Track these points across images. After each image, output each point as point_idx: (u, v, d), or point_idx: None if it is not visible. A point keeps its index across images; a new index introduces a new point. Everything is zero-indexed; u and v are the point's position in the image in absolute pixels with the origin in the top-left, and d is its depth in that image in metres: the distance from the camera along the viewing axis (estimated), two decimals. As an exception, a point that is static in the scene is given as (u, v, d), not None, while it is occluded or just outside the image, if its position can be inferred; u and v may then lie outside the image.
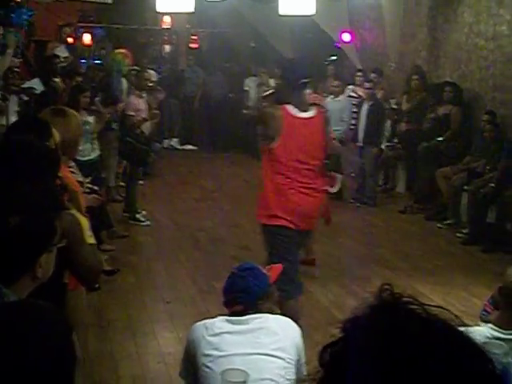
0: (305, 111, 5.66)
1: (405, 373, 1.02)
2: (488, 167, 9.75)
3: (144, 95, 10.27)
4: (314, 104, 5.83)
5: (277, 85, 6.44)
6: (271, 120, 5.59)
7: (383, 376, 1.02)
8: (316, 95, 6.80)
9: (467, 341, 1.10)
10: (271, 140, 5.58)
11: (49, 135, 3.95)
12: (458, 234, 9.72)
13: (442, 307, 1.13)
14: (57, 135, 4.05)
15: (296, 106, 5.62)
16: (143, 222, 9.76)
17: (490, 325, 4.01)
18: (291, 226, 5.58)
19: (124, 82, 11.55)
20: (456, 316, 1.13)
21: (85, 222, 3.67)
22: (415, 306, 1.11)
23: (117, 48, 13.11)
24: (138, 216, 9.77)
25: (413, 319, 1.09)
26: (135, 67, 11.81)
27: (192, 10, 10.33)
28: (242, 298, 3.62)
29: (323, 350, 1.13)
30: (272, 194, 5.64)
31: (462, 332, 1.10)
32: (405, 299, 1.13)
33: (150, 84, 13.37)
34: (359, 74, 12.44)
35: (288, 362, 3.50)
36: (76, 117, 5.04)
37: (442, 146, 10.65)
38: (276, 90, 6.28)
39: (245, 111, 14.91)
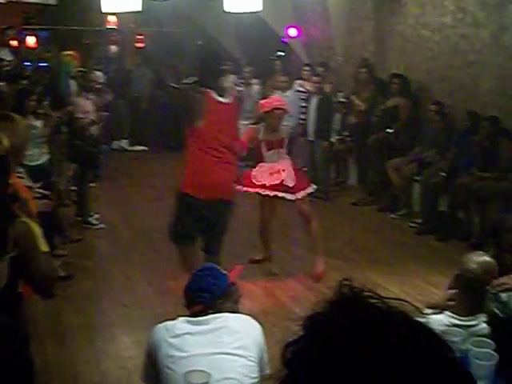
0: (222, 96, 6.48)
1: (368, 367, 1.01)
2: (438, 157, 9.85)
3: (91, 97, 10.16)
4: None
5: (199, 72, 6.90)
6: (196, 103, 6.39)
7: (346, 372, 1.01)
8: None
9: (428, 332, 1.10)
10: (195, 120, 6.36)
11: None
12: (411, 224, 9.81)
13: (402, 299, 1.13)
14: (6, 141, 3.98)
15: (216, 92, 6.43)
16: (96, 225, 9.66)
17: (447, 312, 4.06)
18: (200, 196, 6.44)
19: (73, 84, 11.42)
20: (416, 307, 1.13)
21: (37, 230, 3.61)
22: (375, 300, 1.11)
23: (62, 50, 12.96)
24: (90, 219, 9.67)
25: (373, 313, 1.09)
26: (82, 69, 11.69)
27: (139, 8, 10.25)
28: (203, 298, 3.61)
29: (285, 348, 1.11)
30: (192, 166, 6.50)
31: (422, 323, 1.10)
32: (364, 293, 1.12)
33: (98, 85, 13.26)
34: (306, 68, 12.48)
35: (250, 360, 3.49)
36: (23, 122, 4.97)
37: (391, 138, 10.73)
38: (199, 77, 6.76)
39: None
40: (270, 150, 7.72)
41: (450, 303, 4.27)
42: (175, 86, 8.64)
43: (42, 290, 3.84)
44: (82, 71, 11.42)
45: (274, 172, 7.60)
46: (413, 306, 1.12)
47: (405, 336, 1.05)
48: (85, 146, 9.45)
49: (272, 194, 7.55)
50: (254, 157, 8.01)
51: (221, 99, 6.46)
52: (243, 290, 7.33)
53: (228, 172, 6.58)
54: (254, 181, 7.62)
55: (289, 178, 7.56)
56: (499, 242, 4.54)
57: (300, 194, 7.61)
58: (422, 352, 1.04)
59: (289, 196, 7.57)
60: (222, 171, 6.50)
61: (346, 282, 1.15)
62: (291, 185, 7.53)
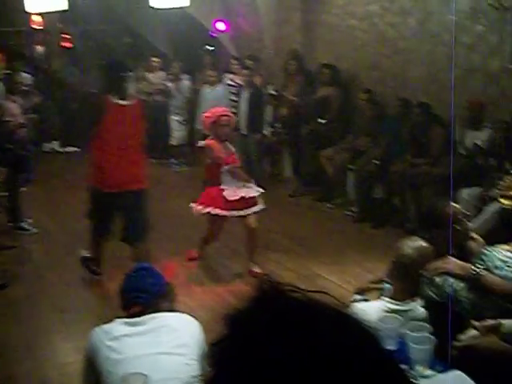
0: (123, 99, 6.96)
1: (292, 362, 1.00)
2: (370, 145, 9.93)
3: (17, 99, 9.99)
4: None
5: (102, 78, 7.78)
6: (96, 107, 6.98)
7: (269, 368, 1.00)
8: None
9: (351, 322, 1.09)
10: (97, 122, 6.95)
11: None
12: (347, 213, 9.88)
13: (323, 292, 1.12)
14: None
15: (118, 95, 6.92)
16: (29, 230, 9.49)
17: (385, 298, 4.10)
18: (106, 189, 7.02)
19: (1, 86, 11.20)
20: (337, 299, 1.12)
21: None
22: (296, 294, 1.10)
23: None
24: (22, 224, 9.50)
25: (295, 307, 1.08)
26: (7, 71, 11.47)
27: (65, 7, 10.10)
28: (141, 299, 3.57)
29: (211, 347, 1.10)
30: (97, 164, 7.10)
31: (346, 314, 1.10)
32: (285, 288, 1.12)
33: (24, 87, 13.02)
34: (234, 61, 12.47)
35: (191, 359, 3.46)
36: None
37: (323, 128, 10.78)
38: (101, 82, 7.59)
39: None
40: (224, 165, 7.66)
41: (377, 286, 4.32)
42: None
43: None
44: (7, 73, 11.19)
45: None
46: (334, 298, 1.11)
47: (327, 328, 1.05)
48: (14, 150, 9.27)
49: (229, 214, 7.58)
50: (209, 175, 7.87)
51: (121, 102, 6.93)
52: (182, 286, 7.34)
53: (133, 166, 7.08)
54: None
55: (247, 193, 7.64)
56: (434, 227, 4.58)
57: (250, 210, 7.65)
58: (345, 343, 1.04)
59: (241, 212, 7.61)
60: (126, 167, 7.00)
61: (266, 278, 1.16)
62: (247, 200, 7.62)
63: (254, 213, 7.67)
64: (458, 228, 4.40)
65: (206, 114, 7.82)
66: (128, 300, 3.60)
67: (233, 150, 7.74)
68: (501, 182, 6.91)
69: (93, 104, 7.16)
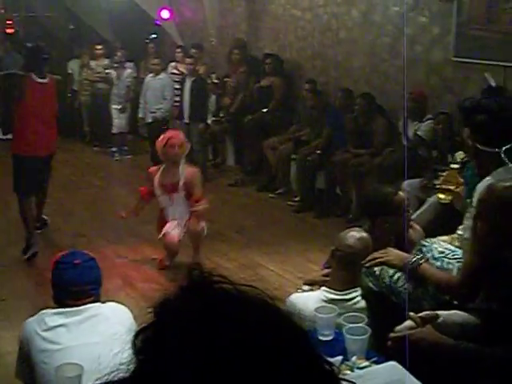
0: (42, 78, 8.04)
1: (218, 355, 1.00)
2: (313, 135, 9.99)
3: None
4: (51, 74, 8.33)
5: (25, 59, 9.10)
6: (19, 84, 8.00)
7: (193, 358, 1.00)
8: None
9: (278, 315, 1.10)
10: (20, 95, 7.92)
11: None
12: (289, 203, 9.91)
13: (252, 286, 1.12)
14: None
15: (36, 74, 7.99)
16: None
17: (324, 288, 4.12)
18: (26, 154, 8.06)
19: None
20: (265, 293, 1.12)
21: None
22: (225, 285, 1.10)
23: None
24: None
25: (223, 298, 1.08)
26: None
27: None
28: (95, 290, 3.55)
29: (135, 336, 1.10)
30: (19, 132, 8.11)
31: (272, 307, 1.10)
32: (214, 278, 1.12)
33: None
34: (178, 50, 12.43)
35: (124, 348, 3.45)
36: None
37: (267, 118, 10.80)
38: (24, 63, 8.78)
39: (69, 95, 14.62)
40: (164, 193, 7.56)
41: (327, 278, 4.34)
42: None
43: None
44: None
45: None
46: (263, 292, 1.12)
47: (254, 320, 1.05)
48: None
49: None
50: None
51: (40, 80, 8.02)
52: (124, 277, 7.31)
53: (48, 134, 8.26)
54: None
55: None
56: (377, 215, 4.63)
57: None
58: (270, 336, 1.04)
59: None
60: (43, 133, 8.14)
61: (195, 267, 1.14)
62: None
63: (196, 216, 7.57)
64: (401, 216, 4.46)
65: (162, 136, 7.71)
66: (79, 291, 3.52)
67: (180, 177, 7.51)
68: (440, 176, 7.00)
69: (15, 83, 8.18)
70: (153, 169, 7.77)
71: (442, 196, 6.74)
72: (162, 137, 7.58)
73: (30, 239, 8.11)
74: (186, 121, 11.40)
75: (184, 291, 1.10)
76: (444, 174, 6.84)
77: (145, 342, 1.08)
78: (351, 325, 3.39)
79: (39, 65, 8.15)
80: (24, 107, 7.99)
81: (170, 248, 7.54)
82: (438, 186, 6.91)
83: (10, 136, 14.18)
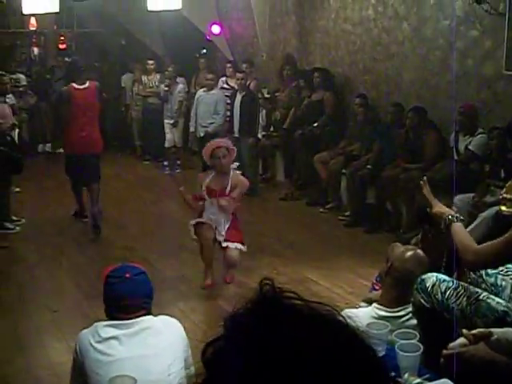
0: (83, 84, 9.44)
1: (288, 370, 1.00)
2: (364, 150, 9.96)
3: (8, 100, 9.95)
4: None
5: (66, 71, 11.35)
6: (66, 94, 9.49)
7: (264, 372, 1.00)
8: None
9: (350, 332, 1.09)
10: (67, 103, 9.39)
11: None
12: (340, 218, 9.88)
13: (322, 303, 1.11)
14: None
15: (77, 83, 9.40)
16: (12, 229, 9.52)
17: (375, 304, 4.10)
18: (73, 152, 9.57)
19: None
20: (335, 309, 1.12)
21: None
22: (297, 301, 1.10)
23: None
24: (6, 224, 9.50)
25: (294, 314, 1.08)
26: None
27: (57, 9, 10.13)
28: (146, 304, 3.56)
29: (205, 348, 1.10)
30: (67, 134, 9.58)
31: (345, 324, 1.10)
32: (286, 294, 1.11)
33: (20, 88, 13.00)
34: (229, 65, 12.49)
35: (176, 360, 3.48)
36: None
37: (317, 132, 10.80)
38: (65, 74, 11.00)
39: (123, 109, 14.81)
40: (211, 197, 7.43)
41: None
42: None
43: None
44: None
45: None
46: (333, 308, 1.12)
47: (325, 337, 1.05)
48: (9, 152, 9.25)
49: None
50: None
51: (80, 86, 9.39)
52: (174, 291, 7.35)
53: (92, 135, 9.54)
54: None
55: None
56: (424, 226, 4.62)
57: (232, 244, 7.36)
58: (341, 352, 1.04)
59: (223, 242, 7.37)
60: (87, 133, 9.41)
61: (267, 282, 1.13)
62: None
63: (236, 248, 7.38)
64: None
65: (206, 146, 7.71)
66: (132, 305, 3.52)
67: (229, 183, 7.40)
68: (501, 189, 6.89)
69: (62, 92, 9.74)
70: (202, 174, 7.79)
71: (504, 208, 6.62)
72: (207, 146, 7.57)
73: (80, 208, 10.03)
74: (236, 135, 11.42)
75: (254, 306, 1.10)
76: (507, 184, 6.73)
77: (214, 354, 1.08)
78: (403, 341, 3.37)
79: (78, 74, 9.56)
80: (70, 111, 9.34)
81: (204, 243, 7.38)
82: (501, 197, 6.79)
83: (60, 150, 14.57)
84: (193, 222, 7.38)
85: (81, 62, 10.72)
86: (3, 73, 11.08)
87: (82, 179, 9.69)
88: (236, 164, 7.67)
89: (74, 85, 9.39)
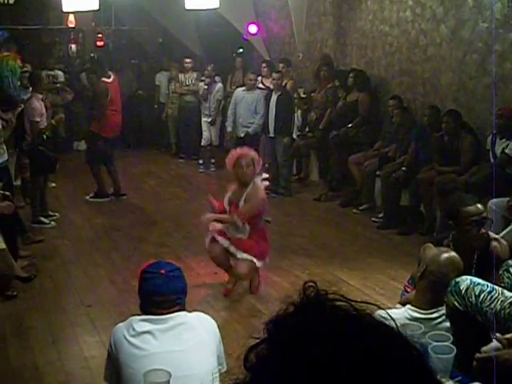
0: (109, 77, 11.06)
1: (332, 372, 0.99)
2: (398, 151, 9.92)
3: (45, 97, 10.01)
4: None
5: (90, 65, 12.67)
6: (100, 85, 11.09)
7: (309, 376, 0.99)
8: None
9: (396, 335, 1.08)
10: (105, 94, 10.90)
11: None
12: (373, 219, 9.86)
13: (368, 302, 1.11)
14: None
15: (106, 77, 11.05)
16: (47, 223, 9.62)
17: (408, 306, 4.09)
18: (111, 135, 11.18)
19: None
20: (384, 309, 1.11)
21: None
22: (341, 303, 1.08)
23: (21, 49, 12.87)
24: (41, 218, 9.61)
25: (339, 317, 1.06)
26: (26, 68, 11.57)
27: (96, 7, 10.22)
28: (181, 299, 3.59)
29: (248, 351, 1.08)
30: (107, 118, 10.97)
31: (390, 327, 1.08)
32: (330, 296, 1.10)
33: (58, 85, 13.11)
34: (264, 64, 12.47)
35: (209, 356, 3.50)
36: None
37: (351, 133, 10.78)
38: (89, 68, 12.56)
39: (156, 106, 14.90)
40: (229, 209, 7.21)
41: None
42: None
43: None
44: (26, 71, 11.27)
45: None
46: (379, 307, 1.11)
47: (371, 340, 1.03)
48: (47, 152, 9.34)
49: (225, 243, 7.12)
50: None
51: (108, 80, 11.06)
52: (207, 288, 7.39)
53: (117, 120, 11.25)
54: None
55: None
56: (455, 225, 4.62)
57: (242, 255, 7.09)
58: (388, 357, 1.02)
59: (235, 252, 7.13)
60: (113, 119, 11.13)
61: (311, 284, 1.12)
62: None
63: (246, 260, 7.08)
64: (471, 229, 4.45)
65: (231, 153, 7.40)
66: (166, 301, 3.55)
67: (244, 198, 7.10)
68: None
69: (100, 84, 11.13)
70: (231, 184, 7.48)
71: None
72: (232, 153, 7.33)
73: (101, 189, 11.12)
74: (272, 135, 11.43)
75: (298, 308, 1.09)
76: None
77: (258, 358, 1.07)
78: (436, 343, 3.36)
79: (102, 68, 11.25)
80: (107, 101, 10.91)
81: (212, 257, 7.26)
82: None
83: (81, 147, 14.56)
84: (208, 239, 7.20)
85: (104, 58, 12.94)
86: (29, 70, 11.21)
87: (103, 158, 11.13)
88: (264, 176, 7.46)
89: (105, 79, 11.01)
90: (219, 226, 7.10)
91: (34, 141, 9.33)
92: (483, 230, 4.61)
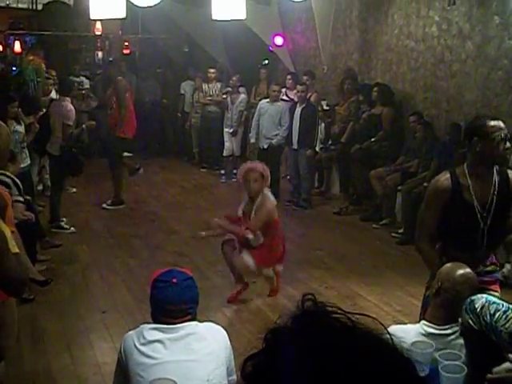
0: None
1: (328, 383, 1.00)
2: (421, 167, 9.87)
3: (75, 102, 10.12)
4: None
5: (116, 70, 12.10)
6: (119, 83, 11.21)
7: None
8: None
9: (391, 348, 1.08)
10: (126, 87, 11.37)
11: None
12: (393, 234, 9.80)
13: (366, 315, 1.11)
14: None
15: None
16: (67, 229, 9.67)
17: (423, 321, 4.06)
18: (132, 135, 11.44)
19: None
20: (378, 321, 1.11)
21: (7, 232, 3.61)
22: (338, 315, 1.09)
23: (48, 55, 12.98)
24: (61, 224, 9.66)
25: (336, 328, 1.07)
26: (52, 75, 11.66)
27: (123, 15, 10.27)
28: (193, 309, 3.57)
29: (245, 361, 1.10)
30: (128, 119, 11.17)
31: (386, 339, 1.09)
32: (328, 308, 1.11)
33: (83, 91, 13.20)
34: (289, 76, 12.48)
35: (219, 367, 3.48)
36: (5, 128, 4.97)
37: (374, 147, 10.74)
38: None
39: (179, 114, 14.94)
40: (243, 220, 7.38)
41: None
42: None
43: (12, 292, 3.85)
44: (49, 78, 11.37)
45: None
46: (376, 320, 1.11)
47: (367, 352, 1.04)
48: (75, 154, 9.40)
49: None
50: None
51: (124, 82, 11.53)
52: (222, 298, 7.38)
53: (133, 121, 11.48)
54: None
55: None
56: (483, 135, 4.72)
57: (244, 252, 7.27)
58: (383, 369, 1.03)
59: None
60: (133, 120, 11.41)
61: (308, 297, 1.13)
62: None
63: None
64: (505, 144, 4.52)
65: (242, 166, 7.61)
66: (178, 310, 3.54)
67: (253, 209, 7.26)
68: None
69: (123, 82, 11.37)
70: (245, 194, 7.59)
71: None
72: (242, 166, 7.49)
73: (118, 196, 11.10)
74: (295, 147, 11.42)
75: (296, 320, 1.10)
76: None
77: (255, 368, 1.08)
78: (447, 362, 3.32)
79: (117, 74, 11.57)
80: (129, 103, 11.22)
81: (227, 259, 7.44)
82: None
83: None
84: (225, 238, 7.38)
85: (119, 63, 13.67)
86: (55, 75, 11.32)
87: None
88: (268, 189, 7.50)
89: (125, 81, 11.57)
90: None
91: (68, 143, 9.39)
92: (508, 145, 4.63)
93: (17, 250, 3.65)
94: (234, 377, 3.59)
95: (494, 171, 4.77)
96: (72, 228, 9.74)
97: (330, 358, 1.01)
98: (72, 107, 9.62)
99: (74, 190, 11.24)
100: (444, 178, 4.85)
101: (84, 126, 10.11)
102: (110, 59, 15.72)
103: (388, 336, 1.10)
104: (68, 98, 9.73)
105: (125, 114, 10.99)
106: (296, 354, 1.04)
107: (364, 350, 1.04)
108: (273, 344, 1.08)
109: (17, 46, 15.10)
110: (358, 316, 1.10)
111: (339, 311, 1.10)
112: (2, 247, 3.43)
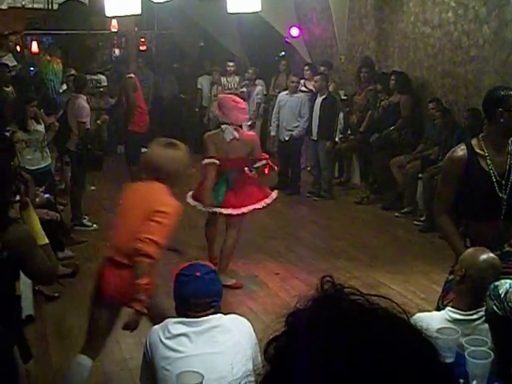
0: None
1: (348, 363, 1.01)
2: (441, 154, 9.82)
3: (92, 100, 10.16)
4: None
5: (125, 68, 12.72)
6: (127, 80, 11.63)
7: (326, 368, 1.01)
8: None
9: (410, 328, 1.10)
10: (134, 85, 11.68)
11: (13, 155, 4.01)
12: (415, 222, 9.78)
13: (383, 297, 1.13)
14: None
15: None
16: (90, 226, 9.73)
17: (448, 308, 4.05)
18: (144, 131, 11.57)
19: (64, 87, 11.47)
20: (397, 304, 1.12)
21: (37, 222, 3.68)
22: (357, 297, 1.11)
23: (66, 54, 13.03)
24: (84, 221, 9.72)
25: (354, 310, 1.09)
26: (72, 72, 11.70)
27: (139, 12, 10.28)
28: (216, 302, 3.59)
29: (268, 344, 1.12)
30: (138, 115, 11.46)
31: (404, 320, 1.10)
32: (346, 290, 1.13)
33: (101, 89, 13.24)
34: (306, 67, 12.46)
35: (244, 359, 3.49)
36: (184, 149, 5.17)
37: (393, 136, 10.70)
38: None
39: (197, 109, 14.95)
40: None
41: None
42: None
43: (42, 283, 3.95)
44: (72, 75, 11.41)
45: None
46: (394, 303, 1.12)
47: (386, 332, 1.05)
48: (91, 150, 9.45)
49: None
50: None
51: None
52: (246, 291, 7.39)
53: (146, 117, 11.82)
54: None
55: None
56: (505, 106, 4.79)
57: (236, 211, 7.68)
58: (402, 349, 1.04)
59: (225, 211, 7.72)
60: (145, 117, 11.77)
61: (328, 279, 1.15)
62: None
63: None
64: None
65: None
66: (202, 303, 3.56)
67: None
68: None
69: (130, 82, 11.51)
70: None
71: None
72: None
73: None
74: (314, 138, 11.41)
75: (316, 302, 1.12)
76: None
77: (277, 350, 1.10)
78: (474, 348, 3.31)
79: (126, 69, 11.98)
80: (137, 100, 11.47)
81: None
82: None
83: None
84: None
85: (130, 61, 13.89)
86: (75, 73, 11.37)
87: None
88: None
89: (135, 79, 11.77)
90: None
91: (82, 140, 9.44)
92: None
93: (46, 241, 3.70)
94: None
95: (509, 142, 4.78)
96: (94, 225, 9.79)
97: (352, 340, 1.03)
98: (85, 104, 9.65)
99: (93, 187, 11.28)
100: (460, 148, 4.86)
101: (98, 121, 10.16)
102: (115, 56, 15.80)
103: (408, 317, 1.11)
104: (83, 96, 9.78)
105: (132, 112, 11.30)
106: (316, 335, 1.05)
107: (385, 332, 1.05)
108: (294, 326, 1.10)
109: (34, 47, 15.15)
110: (376, 298, 1.12)
111: (357, 293, 1.12)
112: (31, 247, 3.47)
